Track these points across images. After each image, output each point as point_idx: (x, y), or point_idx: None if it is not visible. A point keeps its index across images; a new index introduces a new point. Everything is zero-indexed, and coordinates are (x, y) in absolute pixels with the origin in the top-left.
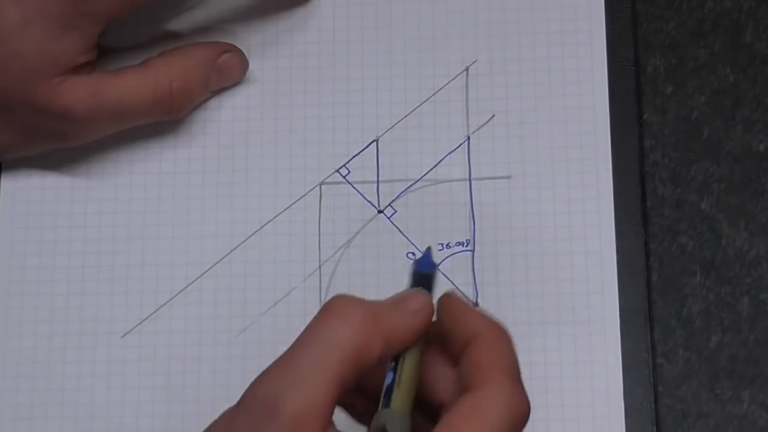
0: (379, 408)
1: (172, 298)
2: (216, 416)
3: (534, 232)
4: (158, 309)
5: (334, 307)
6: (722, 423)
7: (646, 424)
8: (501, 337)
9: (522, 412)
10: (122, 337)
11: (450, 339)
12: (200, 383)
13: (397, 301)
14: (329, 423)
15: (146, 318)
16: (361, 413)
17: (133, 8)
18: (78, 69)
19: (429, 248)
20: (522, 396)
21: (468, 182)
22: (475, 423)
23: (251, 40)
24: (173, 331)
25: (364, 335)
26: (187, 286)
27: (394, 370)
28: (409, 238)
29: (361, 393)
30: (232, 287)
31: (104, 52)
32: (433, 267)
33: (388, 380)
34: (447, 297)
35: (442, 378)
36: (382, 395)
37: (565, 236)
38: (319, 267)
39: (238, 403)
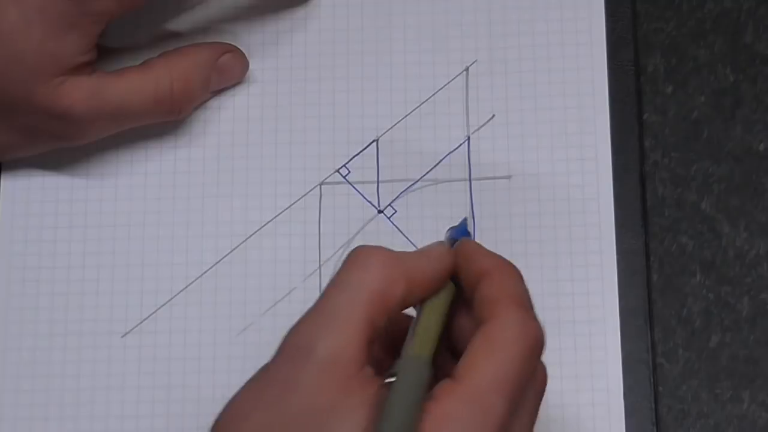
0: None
1: (172, 298)
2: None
3: (534, 232)
4: (158, 309)
5: (357, 255)
6: (722, 423)
7: (646, 424)
8: (510, 272)
9: (536, 338)
10: (122, 337)
11: (464, 280)
12: (200, 383)
13: (419, 250)
14: (363, 364)
15: (146, 318)
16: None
17: (134, 7)
18: (78, 69)
19: (465, 218)
20: (534, 323)
21: (468, 182)
22: (491, 354)
23: (251, 40)
24: (173, 331)
25: (387, 276)
26: (187, 286)
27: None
28: (409, 238)
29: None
30: (232, 287)
31: (104, 52)
32: (467, 234)
33: (409, 334)
34: (463, 241)
35: (468, 329)
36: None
37: (565, 236)
38: (319, 267)
39: (274, 355)
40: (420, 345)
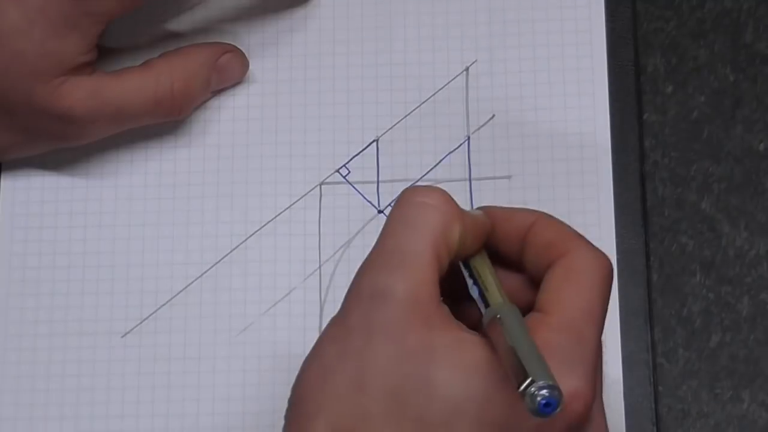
0: (483, 312)
1: (172, 298)
2: (216, 416)
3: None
4: (158, 309)
5: (415, 194)
6: (722, 423)
7: (646, 424)
8: (551, 216)
9: (609, 266)
10: (122, 337)
11: (506, 237)
12: (200, 383)
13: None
14: (439, 300)
15: (146, 318)
16: None
17: (134, 7)
18: (79, 69)
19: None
20: (602, 253)
21: (468, 182)
22: (576, 285)
23: (251, 40)
24: (173, 331)
25: (447, 213)
26: (187, 286)
27: (474, 281)
28: None
29: None
30: (232, 287)
31: (104, 52)
32: None
33: (475, 293)
34: (487, 207)
35: (507, 282)
36: (480, 305)
37: None
38: (319, 267)
39: (343, 304)
40: (501, 293)
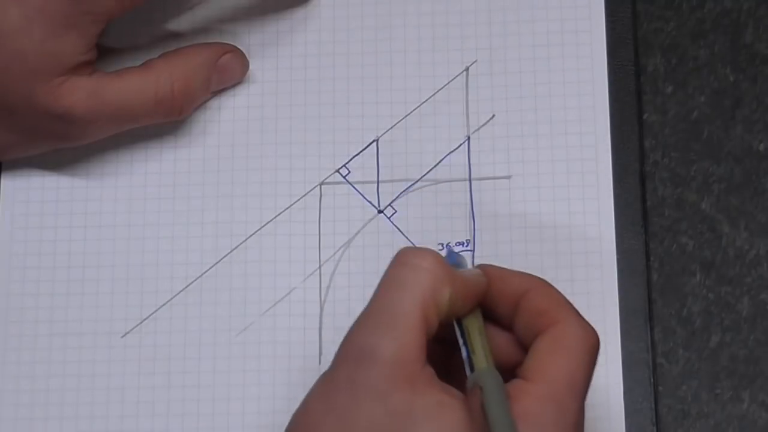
0: (468, 375)
1: (172, 298)
2: (216, 416)
3: (534, 232)
4: (158, 309)
5: (407, 255)
6: (722, 423)
7: (646, 424)
8: (548, 284)
9: (596, 340)
10: (122, 337)
11: (500, 298)
12: (200, 383)
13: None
14: (424, 362)
15: (146, 318)
16: None
17: (133, 6)
18: (79, 69)
19: (449, 247)
20: (591, 326)
21: (468, 182)
22: (561, 356)
23: (251, 40)
24: (173, 331)
25: (437, 276)
26: (187, 286)
27: (464, 341)
28: (409, 238)
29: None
30: (232, 287)
31: (104, 52)
32: (458, 258)
33: (464, 353)
34: (485, 266)
35: (498, 340)
36: (466, 366)
37: (565, 236)
38: (319, 267)
39: (333, 361)
40: (487, 358)
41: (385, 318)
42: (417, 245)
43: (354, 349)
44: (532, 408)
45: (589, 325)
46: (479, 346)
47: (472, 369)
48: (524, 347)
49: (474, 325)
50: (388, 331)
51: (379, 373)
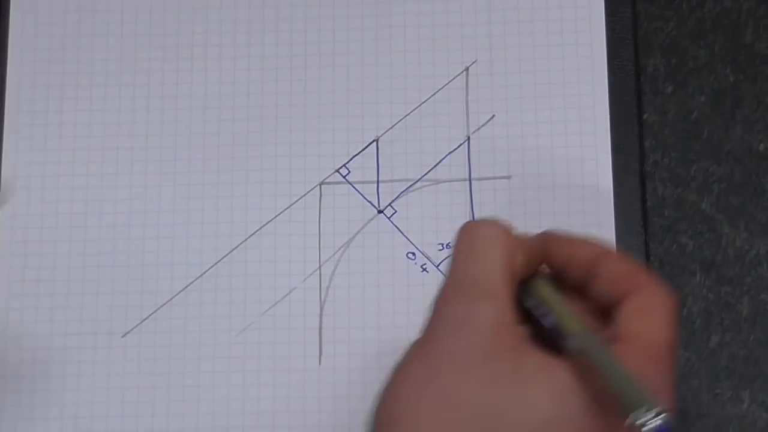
0: (565, 340)
1: (172, 298)
2: (216, 416)
3: (534, 232)
4: (158, 309)
5: (477, 228)
6: (722, 423)
7: None
8: (617, 251)
9: (677, 299)
10: (122, 337)
11: (571, 264)
12: (200, 383)
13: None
14: (518, 323)
15: (146, 318)
16: None
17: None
18: None
19: None
20: (670, 289)
21: (468, 182)
22: (653, 319)
23: (251, 40)
24: (173, 331)
25: (510, 243)
26: (187, 286)
27: (538, 305)
28: (409, 238)
29: None
30: (232, 287)
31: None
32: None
33: (549, 321)
34: (550, 232)
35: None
36: (557, 335)
37: None
38: (319, 267)
39: (424, 334)
40: (578, 321)
41: (474, 287)
42: (417, 245)
43: (449, 319)
44: (637, 368)
45: (667, 287)
46: (568, 311)
47: (561, 335)
48: (600, 312)
49: (552, 291)
50: (483, 298)
51: (482, 339)
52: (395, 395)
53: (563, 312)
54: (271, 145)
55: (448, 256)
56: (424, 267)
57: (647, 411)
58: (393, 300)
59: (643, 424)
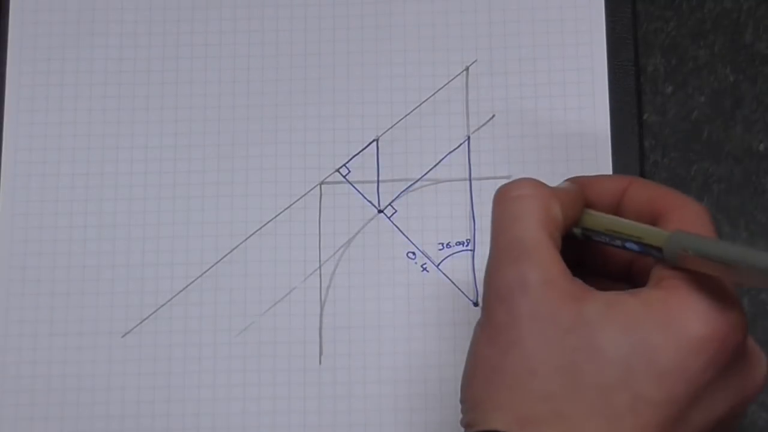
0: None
1: (172, 298)
2: (216, 416)
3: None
4: (158, 309)
5: (509, 189)
6: None
7: None
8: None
9: (706, 208)
10: (122, 337)
11: (601, 200)
12: (200, 383)
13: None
14: (572, 276)
15: (146, 318)
16: None
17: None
18: None
19: None
20: (697, 201)
21: (468, 182)
22: (692, 230)
23: (251, 41)
24: (173, 331)
25: (543, 195)
26: (187, 286)
27: (611, 239)
28: (409, 238)
29: None
30: (232, 287)
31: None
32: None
33: (633, 247)
34: (576, 177)
35: (608, 250)
36: (646, 251)
37: None
38: (319, 267)
39: (483, 310)
40: (652, 228)
41: (517, 250)
42: (417, 245)
43: (501, 287)
44: (695, 281)
45: (698, 202)
46: (642, 227)
47: (651, 249)
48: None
49: (609, 218)
50: (527, 259)
51: (538, 298)
52: (474, 381)
53: (640, 230)
54: (271, 145)
55: (447, 257)
56: (424, 267)
57: None
58: (393, 300)
59: None
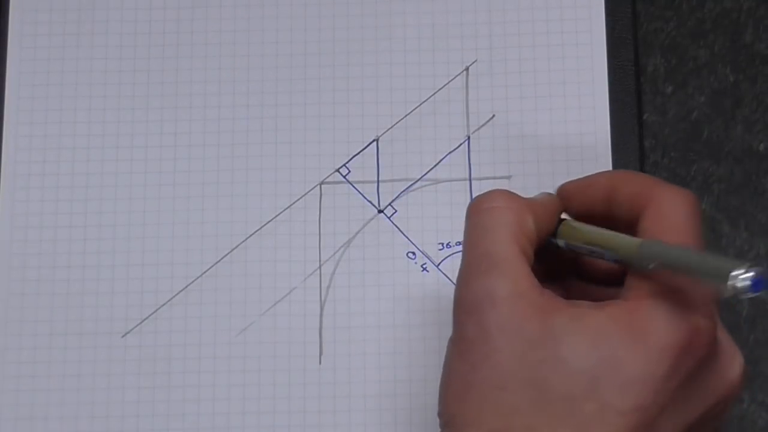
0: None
1: (172, 298)
2: (216, 416)
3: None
4: (158, 309)
5: (481, 202)
6: None
7: None
8: (634, 171)
9: (694, 196)
10: (122, 337)
11: (594, 202)
12: (200, 383)
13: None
14: (540, 287)
15: (146, 318)
16: None
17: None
18: None
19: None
20: (685, 189)
21: (468, 182)
22: (673, 225)
23: (251, 41)
24: (173, 331)
25: (514, 208)
26: (187, 286)
27: (596, 250)
28: (410, 238)
29: None
30: (232, 287)
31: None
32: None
33: (611, 257)
34: (566, 183)
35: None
36: (624, 266)
37: None
38: (319, 267)
39: (454, 325)
40: (624, 237)
41: (486, 263)
42: (417, 245)
43: (470, 300)
44: None
45: (682, 188)
46: (612, 237)
47: (620, 262)
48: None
49: (584, 228)
50: (494, 272)
51: (506, 311)
52: (447, 397)
53: (609, 241)
54: (271, 145)
55: (447, 257)
56: (424, 267)
57: (745, 267)
58: (393, 300)
59: (741, 282)
